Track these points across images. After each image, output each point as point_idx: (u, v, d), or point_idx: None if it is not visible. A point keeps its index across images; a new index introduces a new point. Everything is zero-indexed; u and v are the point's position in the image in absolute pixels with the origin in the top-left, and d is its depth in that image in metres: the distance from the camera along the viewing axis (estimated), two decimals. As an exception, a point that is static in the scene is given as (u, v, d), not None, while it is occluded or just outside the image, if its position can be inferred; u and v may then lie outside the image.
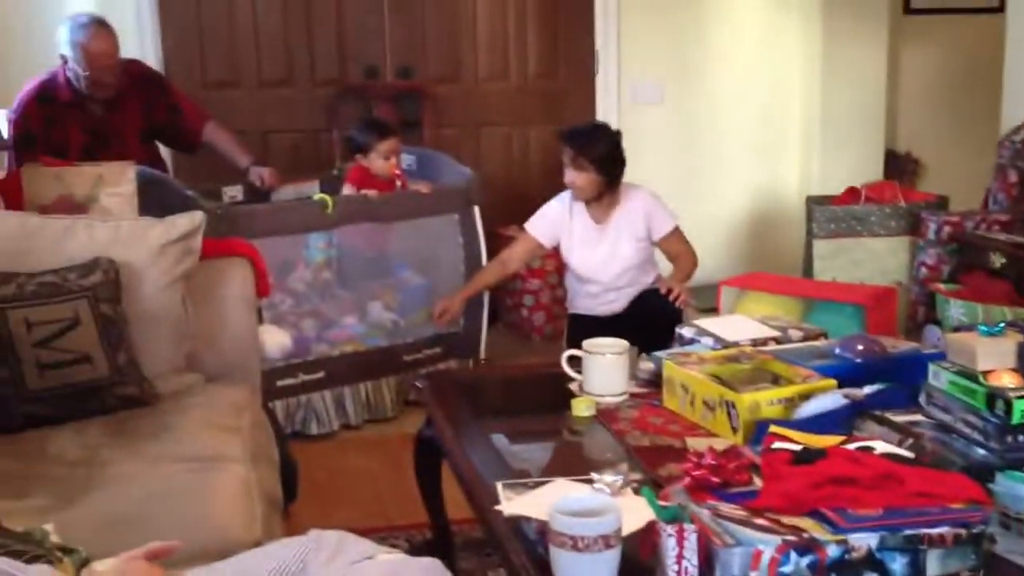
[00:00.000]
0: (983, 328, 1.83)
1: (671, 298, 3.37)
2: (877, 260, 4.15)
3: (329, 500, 3.05)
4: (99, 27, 3.53)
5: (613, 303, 3.56)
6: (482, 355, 3.94)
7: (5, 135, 3.45)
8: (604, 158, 3.41)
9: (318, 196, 3.55)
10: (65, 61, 3.52)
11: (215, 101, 4.36)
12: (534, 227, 3.59)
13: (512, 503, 1.76)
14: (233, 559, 1.57)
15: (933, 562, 1.49)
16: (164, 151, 4.05)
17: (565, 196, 3.55)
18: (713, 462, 1.71)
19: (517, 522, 1.69)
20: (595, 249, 3.52)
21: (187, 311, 2.45)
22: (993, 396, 1.75)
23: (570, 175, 3.42)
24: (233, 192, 3.92)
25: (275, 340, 2.77)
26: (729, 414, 2.01)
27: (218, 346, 2.53)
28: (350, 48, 4.66)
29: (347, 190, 3.78)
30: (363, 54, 4.67)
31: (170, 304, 2.40)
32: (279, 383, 3.37)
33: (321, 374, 3.52)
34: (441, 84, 4.77)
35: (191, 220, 2.44)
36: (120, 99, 3.68)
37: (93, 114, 3.63)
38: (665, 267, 3.68)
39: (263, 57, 4.58)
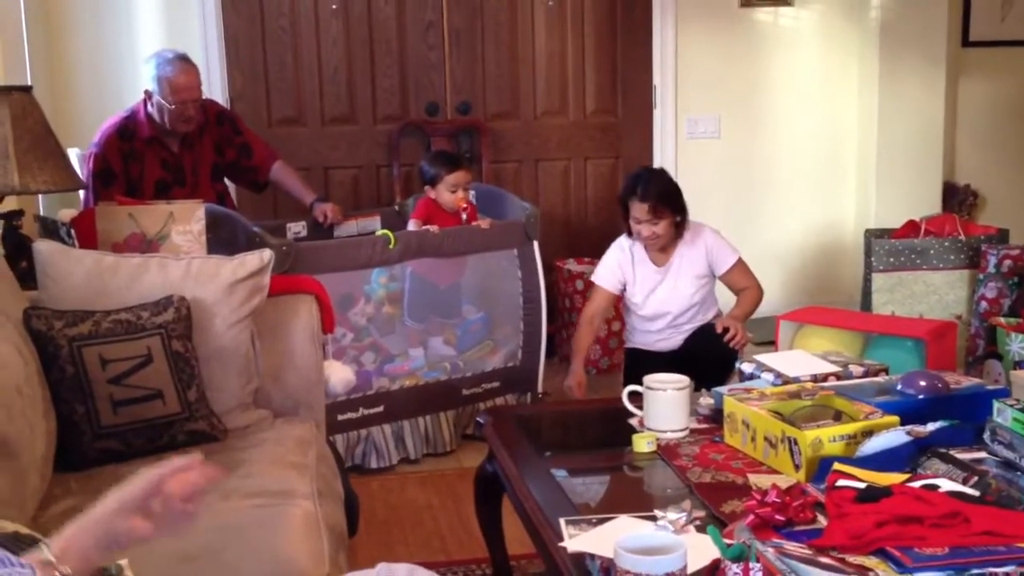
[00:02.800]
0: (1050, 367, 1.82)
1: (727, 339, 3.37)
2: (936, 294, 4.11)
3: (389, 534, 3.08)
4: (185, 62, 3.67)
5: (671, 339, 3.58)
6: (540, 389, 3.96)
7: (81, 174, 3.56)
8: (675, 200, 3.46)
9: (381, 232, 3.61)
10: (149, 97, 3.65)
11: (280, 138, 4.47)
12: (602, 279, 3.63)
13: (576, 540, 1.77)
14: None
15: (1001, 602, 1.48)
16: (232, 190, 4.17)
17: (623, 242, 3.58)
18: (777, 500, 1.71)
19: (581, 559, 1.71)
20: (657, 291, 3.54)
21: (255, 348, 2.51)
22: (1060, 434, 1.74)
23: (648, 228, 3.43)
24: (297, 228, 4.01)
25: (340, 376, 2.81)
26: (791, 451, 2.01)
27: (285, 382, 2.58)
28: (411, 85, 4.75)
29: (412, 225, 3.83)
30: (424, 91, 4.75)
31: (239, 341, 2.45)
32: (340, 417, 3.42)
33: (381, 408, 3.56)
34: (500, 119, 4.84)
35: (260, 258, 2.50)
36: (195, 137, 3.80)
37: (170, 150, 3.75)
38: (727, 300, 3.68)
39: (326, 95, 4.68)
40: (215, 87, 4.40)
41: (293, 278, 2.85)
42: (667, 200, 3.43)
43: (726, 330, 3.39)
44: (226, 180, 4.06)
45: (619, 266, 3.59)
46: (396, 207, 4.36)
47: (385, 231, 3.59)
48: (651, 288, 3.55)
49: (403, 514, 3.24)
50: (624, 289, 3.62)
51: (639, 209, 3.42)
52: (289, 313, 2.64)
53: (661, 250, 3.54)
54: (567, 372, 3.63)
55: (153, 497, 1.35)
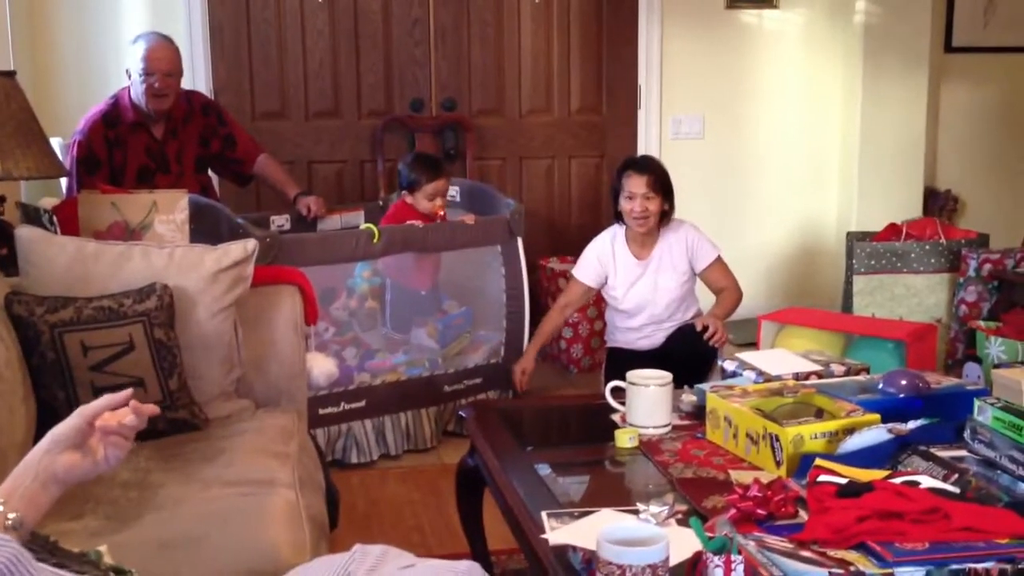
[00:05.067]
0: (1030, 365, 1.84)
1: (706, 336, 3.38)
2: (917, 297, 4.15)
3: (369, 529, 3.07)
4: (163, 39, 3.69)
5: (652, 337, 3.59)
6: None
7: (64, 162, 3.53)
8: (668, 184, 3.51)
9: (365, 226, 3.60)
10: (129, 76, 3.64)
11: (263, 131, 4.46)
12: (582, 273, 3.66)
13: (558, 532, 1.77)
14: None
15: (980, 597, 1.49)
16: (215, 181, 4.15)
17: (605, 236, 3.60)
18: (759, 494, 1.72)
19: (563, 551, 1.71)
20: (638, 284, 3.55)
21: (238, 337, 2.50)
22: (1039, 433, 1.75)
23: (642, 204, 3.45)
24: (281, 221, 4.00)
25: (322, 368, 2.81)
26: (773, 447, 2.02)
27: (267, 372, 2.57)
28: (396, 80, 4.74)
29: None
30: (409, 86, 4.75)
31: (221, 330, 2.44)
32: (321, 411, 3.41)
33: (362, 403, 3.55)
34: (484, 116, 4.84)
35: (244, 248, 2.48)
36: (179, 126, 3.79)
37: (153, 137, 3.73)
38: (707, 301, 3.69)
39: (311, 89, 4.68)
40: (199, 78, 4.38)
41: (277, 269, 2.84)
42: (662, 180, 3.48)
43: (706, 328, 3.40)
44: (210, 172, 4.04)
45: (598, 260, 3.60)
46: (380, 202, 4.36)
47: (369, 225, 3.58)
48: (632, 281, 3.56)
49: (383, 509, 3.24)
50: (605, 283, 3.62)
51: (636, 182, 3.44)
52: (272, 303, 2.63)
53: (642, 243, 3.54)
54: (549, 370, 3.63)
55: (87, 433, 1.40)
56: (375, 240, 3.49)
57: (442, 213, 3.88)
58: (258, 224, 3.68)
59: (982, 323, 3.68)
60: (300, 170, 4.64)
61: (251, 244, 2.52)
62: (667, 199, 3.50)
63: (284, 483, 2.06)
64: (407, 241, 3.62)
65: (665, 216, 3.52)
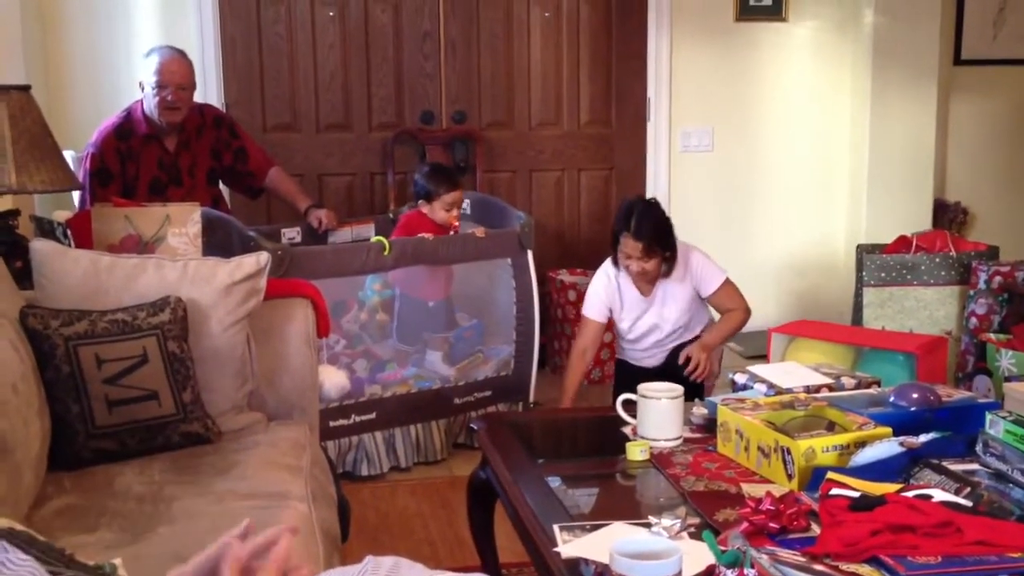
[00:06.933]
0: (1042, 379, 1.84)
1: (687, 371, 3.34)
2: (927, 309, 4.14)
3: (379, 541, 3.08)
4: (177, 52, 3.72)
5: (655, 357, 3.57)
6: (531, 399, 3.97)
7: (78, 175, 3.56)
8: (667, 237, 3.38)
9: (375, 238, 3.61)
10: (142, 89, 3.67)
11: (275, 144, 4.49)
12: (592, 311, 3.54)
13: (570, 545, 1.77)
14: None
15: (993, 611, 1.49)
16: (226, 194, 4.17)
17: (609, 270, 3.50)
18: (771, 507, 1.72)
19: (576, 564, 1.71)
20: (644, 318, 3.52)
21: (251, 350, 2.51)
22: (1052, 446, 1.75)
23: (638, 265, 3.36)
24: (292, 234, 4.01)
25: (334, 380, 2.82)
26: (784, 460, 2.02)
27: (279, 385, 2.58)
28: (407, 93, 4.76)
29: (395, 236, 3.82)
30: (419, 99, 4.77)
31: (234, 343, 2.45)
32: (332, 424, 3.42)
33: (372, 415, 3.56)
34: (494, 129, 4.86)
35: (257, 261, 2.50)
36: (192, 138, 3.82)
37: (166, 149, 3.75)
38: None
39: (322, 102, 4.70)
40: (211, 92, 4.41)
41: (289, 282, 2.85)
42: (660, 239, 3.35)
43: (688, 360, 3.38)
44: (221, 185, 4.07)
45: (606, 293, 3.53)
46: (391, 214, 4.37)
47: (380, 238, 3.60)
48: (638, 316, 3.52)
49: (393, 522, 3.24)
50: (611, 314, 3.59)
51: (632, 246, 3.33)
52: (285, 316, 2.64)
53: (648, 281, 3.51)
54: (558, 383, 3.61)
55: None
56: (386, 252, 3.50)
57: (456, 224, 3.89)
58: (269, 237, 3.69)
59: (993, 336, 3.67)
60: (311, 183, 4.66)
61: (264, 257, 2.53)
62: (667, 249, 3.39)
63: (297, 496, 2.07)
64: (418, 254, 3.63)
65: (667, 261, 3.40)
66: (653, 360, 3.56)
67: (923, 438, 2.02)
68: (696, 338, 3.49)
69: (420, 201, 3.92)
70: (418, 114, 4.77)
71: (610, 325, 3.64)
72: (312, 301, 2.73)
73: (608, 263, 3.52)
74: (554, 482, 2.13)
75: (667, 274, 3.44)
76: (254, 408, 2.53)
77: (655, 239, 3.33)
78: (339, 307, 3.59)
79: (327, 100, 4.71)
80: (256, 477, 2.13)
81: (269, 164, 4.08)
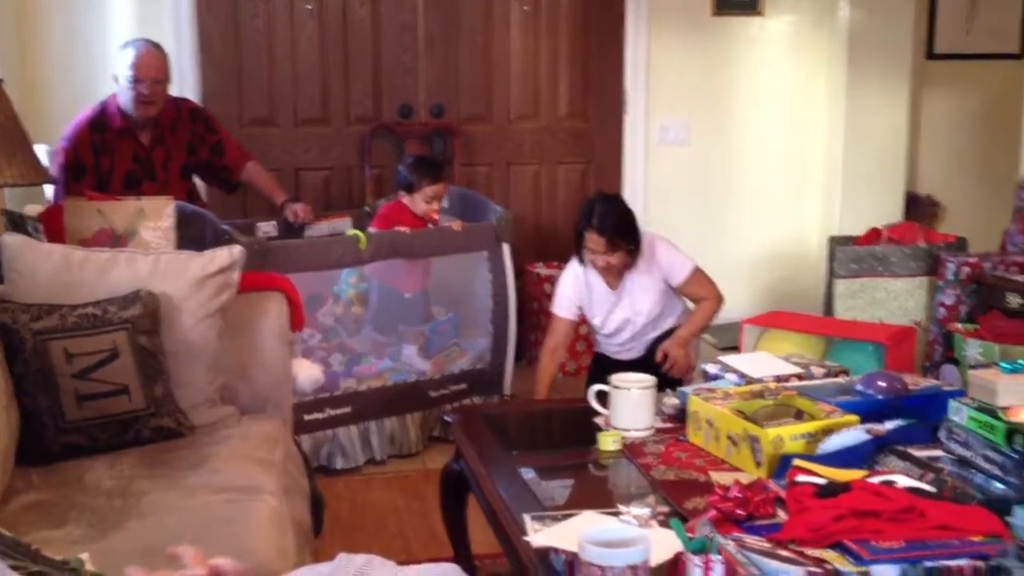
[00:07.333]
0: (1004, 365, 1.86)
1: (664, 368, 3.35)
2: (897, 300, 4.18)
3: (353, 534, 3.08)
4: (152, 45, 3.70)
5: (633, 350, 3.58)
6: (507, 391, 3.98)
7: (50, 168, 3.54)
8: (631, 231, 3.41)
9: (352, 232, 3.61)
10: (117, 82, 3.65)
11: (252, 138, 4.46)
12: (562, 309, 3.55)
13: (540, 534, 1.79)
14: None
15: (954, 594, 1.51)
16: (202, 187, 4.16)
17: (576, 268, 3.51)
18: (739, 495, 1.74)
19: (546, 553, 1.72)
20: (615, 312, 3.53)
21: (223, 344, 2.50)
22: (1012, 431, 1.77)
23: (603, 259, 3.38)
24: (267, 228, 4.00)
25: (308, 374, 2.82)
26: (753, 448, 2.05)
27: (252, 379, 2.58)
28: (385, 87, 4.75)
29: (372, 228, 3.82)
30: (397, 93, 4.76)
31: (207, 337, 2.44)
32: (306, 417, 3.42)
33: (347, 409, 3.56)
34: (472, 123, 4.86)
35: (230, 254, 2.49)
36: (167, 132, 3.80)
37: (140, 143, 3.74)
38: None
39: (299, 96, 4.68)
40: (187, 85, 4.38)
41: (263, 275, 2.85)
42: (623, 233, 3.38)
43: (666, 357, 3.39)
44: (198, 180, 4.05)
45: (574, 291, 3.54)
46: (367, 208, 4.36)
47: (356, 231, 3.59)
48: (609, 310, 3.53)
49: (368, 515, 3.24)
50: (581, 311, 3.59)
51: (595, 241, 3.36)
52: (258, 310, 2.64)
53: (614, 275, 3.52)
54: (534, 376, 3.62)
55: None
56: (361, 246, 3.50)
57: (436, 217, 3.89)
58: (244, 231, 3.69)
59: (960, 325, 3.71)
60: (288, 177, 4.65)
61: (237, 250, 2.53)
62: (631, 242, 3.41)
63: (269, 490, 2.07)
64: (395, 247, 3.63)
65: (632, 255, 3.42)
66: (631, 354, 3.57)
67: (889, 425, 2.05)
68: (672, 332, 3.50)
69: (402, 192, 3.92)
70: (396, 108, 4.76)
71: (585, 319, 3.65)
72: (286, 295, 2.73)
73: (574, 261, 3.53)
74: (527, 473, 2.15)
75: (633, 266, 3.45)
76: (227, 402, 2.52)
77: (618, 233, 3.36)
78: (314, 301, 3.59)
79: (305, 94, 4.69)
80: (227, 471, 2.13)
81: (246, 158, 4.06)
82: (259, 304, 2.65)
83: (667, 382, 3.18)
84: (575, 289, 3.53)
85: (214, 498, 2.01)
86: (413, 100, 4.78)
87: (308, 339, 3.54)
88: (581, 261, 3.49)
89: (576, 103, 4.98)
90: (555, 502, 2.00)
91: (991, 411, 1.82)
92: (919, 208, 5.11)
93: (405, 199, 3.90)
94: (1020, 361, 1.87)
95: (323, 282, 3.63)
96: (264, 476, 2.13)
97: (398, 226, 3.75)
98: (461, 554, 2.54)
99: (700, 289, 3.52)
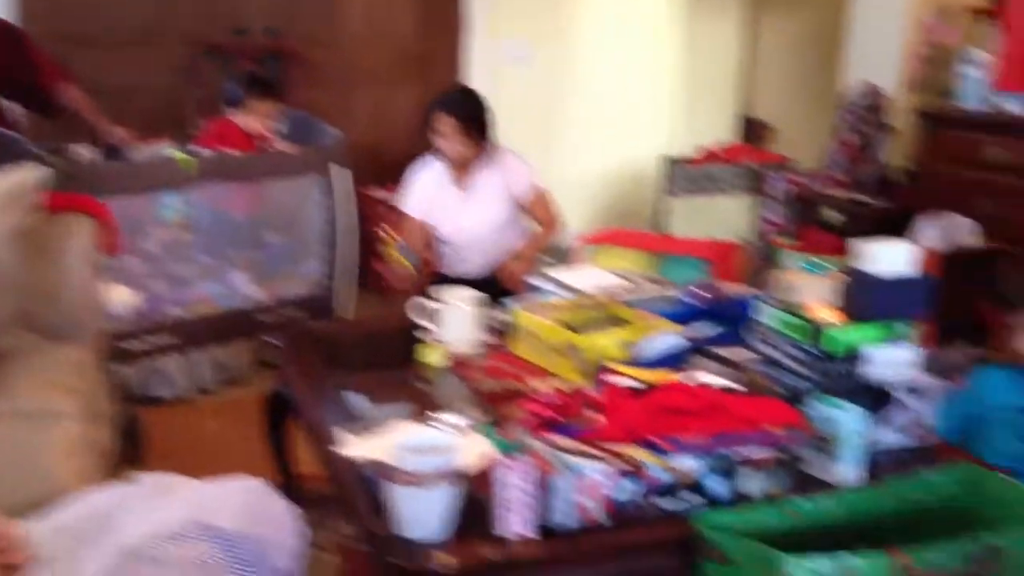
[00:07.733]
0: (807, 265, 1.91)
1: (503, 279, 3.33)
2: (728, 217, 4.30)
3: (181, 464, 2.94)
4: None
5: (478, 263, 3.54)
6: (349, 317, 3.90)
7: None
8: (483, 121, 3.35)
9: (179, 155, 3.44)
10: None
11: (71, 59, 4.18)
12: (413, 208, 3.44)
13: (353, 446, 1.75)
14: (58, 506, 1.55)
15: (752, 482, 1.55)
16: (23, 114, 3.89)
17: (428, 165, 3.45)
18: (557, 401, 1.76)
19: (357, 464, 1.69)
20: (463, 215, 3.47)
21: (25, 267, 2.36)
22: (810, 327, 1.82)
23: (449, 143, 3.30)
24: (82, 150, 3.78)
25: (123, 299, 2.70)
26: (574, 357, 2.06)
27: (58, 304, 2.44)
28: (217, 4, 4.53)
29: (198, 148, 3.66)
30: (231, 12, 4.54)
31: (5, 259, 2.30)
32: (129, 346, 3.27)
33: (174, 337, 3.42)
34: (310, 45, 4.69)
35: (31, 174, 2.36)
36: None
37: None
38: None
39: (125, 14, 4.42)
40: (5, 3, 4.08)
41: (72, 197, 2.67)
42: (474, 119, 3.31)
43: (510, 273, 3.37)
44: (15, 103, 3.79)
45: (426, 191, 3.44)
46: (193, 132, 4.17)
47: (181, 154, 3.43)
48: (457, 213, 3.49)
49: (197, 444, 3.16)
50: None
51: (444, 122, 3.27)
52: (65, 233, 2.49)
53: (463, 170, 3.46)
54: (378, 302, 3.54)
55: None
56: (189, 168, 3.34)
57: (270, 136, 3.75)
58: (58, 153, 3.47)
59: (781, 239, 3.84)
60: (111, 98, 4.39)
61: (39, 171, 2.39)
62: (483, 134, 3.35)
63: (69, 415, 1.98)
64: (223, 170, 3.49)
65: (481, 146, 3.37)
66: (474, 268, 3.50)
67: (705, 330, 2.09)
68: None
69: (229, 109, 3.75)
70: (229, 28, 4.54)
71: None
72: (97, 217, 2.58)
73: (427, 156, 3.43)
74: (351, 392, 2.10)
75: (481, 164, 3.38)
76: (32, 327, 2.38)
77: (469, 117, 3.30)
78: (137, 225, 3.42)
79: (129, 12, 4.43)
80: (27, 397, 2.03)
81: (63, 80, 3.81)
82: (65, 227, 2.50)
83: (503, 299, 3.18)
84: (425, 186, 3.44)
85: (9, 423, 1.91)
86: (248, 20, 4.57)
87: (131, 266, 3.38)
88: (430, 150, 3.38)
89: (417, 25, 4.87)
90: (375, 417, 1.97)
91: (792, 310, 1.86)
92: (752, 130, 5.24)
93: (233, 117, 3.74)
94: (823, 263, 1.92)
95: (147, 206, 3.45)
96: (64, 401, 2.03)
97: (226, 145, 3.60)
98: (284, 474, 2.49)
99: (544, 212, 3.49)
